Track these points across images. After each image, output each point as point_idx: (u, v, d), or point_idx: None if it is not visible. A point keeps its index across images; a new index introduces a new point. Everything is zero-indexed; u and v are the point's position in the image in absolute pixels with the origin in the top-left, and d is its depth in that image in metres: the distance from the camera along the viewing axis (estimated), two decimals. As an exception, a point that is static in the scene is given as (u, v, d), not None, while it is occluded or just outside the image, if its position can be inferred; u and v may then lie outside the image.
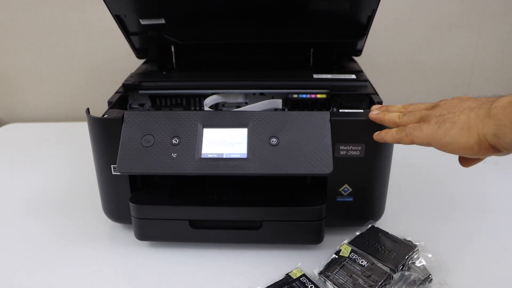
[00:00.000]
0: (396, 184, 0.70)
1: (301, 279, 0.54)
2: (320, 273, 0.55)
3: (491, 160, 0.88)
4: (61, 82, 1.14)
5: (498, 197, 0.75)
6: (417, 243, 0.57)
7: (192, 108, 0.73)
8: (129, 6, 0.69)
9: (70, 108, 1.17)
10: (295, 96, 0.68)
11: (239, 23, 0.74)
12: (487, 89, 1.12)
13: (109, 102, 0.65)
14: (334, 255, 0.57)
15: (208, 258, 0.61)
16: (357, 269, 0.54)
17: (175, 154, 0.55)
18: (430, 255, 0.56)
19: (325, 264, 0.56)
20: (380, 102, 0.63)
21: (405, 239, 0.58)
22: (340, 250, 0.57)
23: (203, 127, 0.57)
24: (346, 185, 0.59)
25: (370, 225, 0.61)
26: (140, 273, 0.58)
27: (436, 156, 0.89)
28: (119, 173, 0.58)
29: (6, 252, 0.63)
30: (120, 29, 0.73)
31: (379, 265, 0.54)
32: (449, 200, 0.74)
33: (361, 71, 0.76)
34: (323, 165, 0.53)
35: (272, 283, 0.54)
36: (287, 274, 0.55)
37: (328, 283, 0.53)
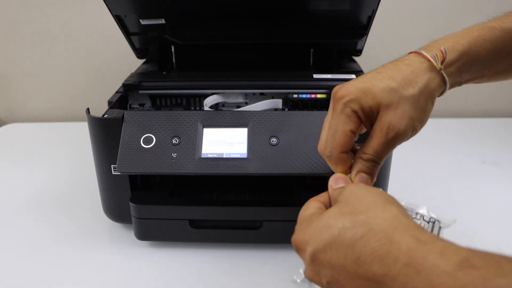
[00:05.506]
0: (396, 184, 0.70)
1: None
2: None
3: (491, 161, 0.88)
4: (61, 82, 1.14)
5: (498, 198, 0.75)
6: None
7: (192, 108, 0.73)
8: (129, 6, 0.69)
9: (70, 108, 1.17)
10: (295, 96, 0.68)
11: (239, 24, 0.74)
12: (487, 88, 1.12)
13: (109, 102, 0.65)
14: None
15: (208, 258, 0.61)
16: None
17: (175, 154, 0.55)
18: None
19: None
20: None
21: None
22: None
23: (203, 127, 0.57)
24: (346, 185, 0.59)
25: None
26: (140, 273, 0.58)
27: (436, 156, 0.90)
28: (119, 173, 0.58)
29: (5, 252, 0.63)
30: (120, 29, 0.73)
31: None
32: (449, 201, 0.74)
33: (361, 71, 0.76)
34: (323, 165, 0.53)
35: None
36: None
37: None
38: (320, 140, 0.44)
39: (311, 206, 0.41)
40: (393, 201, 0.37)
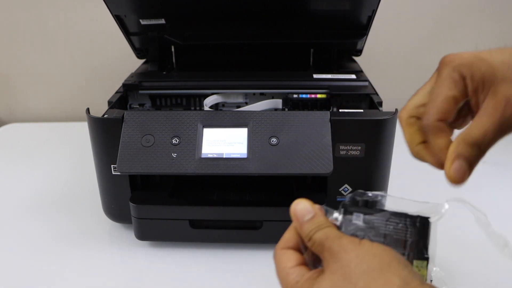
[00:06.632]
0: (395, 184, 0.70)
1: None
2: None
3: (491, 161, 0.88)
4: (61, 82, 1.14)
5: (498, 198, 0.75)
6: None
7: (192, 108, 0.73)
8: (129, 6, 0.69)
9: (70, 108, 1.17)
10: (295, 96, 0.68)
11: (239, 23, 0.74)
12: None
13: (109, 102, 0.65)
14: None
15: (208, 258, 0.61)
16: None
17: (175, 154, 0.55)
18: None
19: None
20: (380, 103, 0.63)
21: None
22: None
23: (203, 127, 0.57)
24: (346, 185, 0.59)
25: None
26: (140, 273, 0.58)
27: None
28: (119, 173, 0.58)
29: (5, 252, 0.63)
30: (120, 29, 0.73)
31: None
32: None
33: (361, 71, 0.76)
34: (323, 165, 0.53)
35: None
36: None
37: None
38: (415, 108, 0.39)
39: (288, 261, 0.36)
40: (394, 264, 0.31)
